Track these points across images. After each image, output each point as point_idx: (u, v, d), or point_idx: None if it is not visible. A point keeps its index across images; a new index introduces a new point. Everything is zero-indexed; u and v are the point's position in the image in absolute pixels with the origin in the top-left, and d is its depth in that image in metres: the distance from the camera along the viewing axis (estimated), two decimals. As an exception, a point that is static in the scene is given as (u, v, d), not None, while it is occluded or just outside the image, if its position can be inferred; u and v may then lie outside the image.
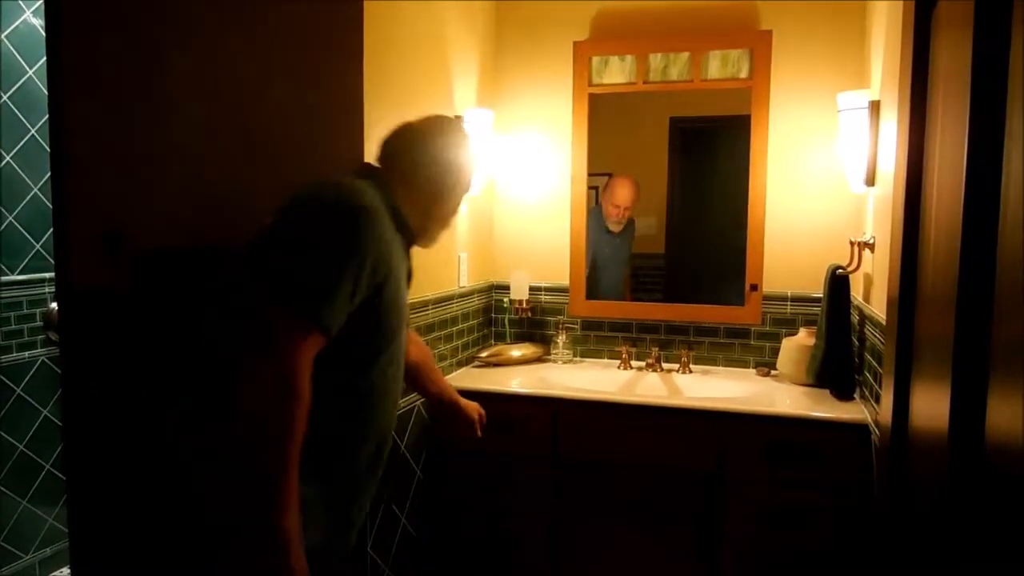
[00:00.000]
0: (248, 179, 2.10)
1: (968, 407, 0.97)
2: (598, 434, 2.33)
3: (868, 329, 2.15)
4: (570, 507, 2.37)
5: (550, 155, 2.93)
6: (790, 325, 2.67)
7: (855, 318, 2.36)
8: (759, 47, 2.65)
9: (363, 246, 1.37)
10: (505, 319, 3.02)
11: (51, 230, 2.65)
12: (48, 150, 2.26)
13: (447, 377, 2.44)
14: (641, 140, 2.93)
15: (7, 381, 2.91)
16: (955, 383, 1.02)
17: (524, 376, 2.64)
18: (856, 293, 2.40)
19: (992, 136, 0.91)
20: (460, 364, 2.76)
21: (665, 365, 2.72)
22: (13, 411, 2.94)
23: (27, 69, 2.91)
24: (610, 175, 2.89)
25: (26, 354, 2.98)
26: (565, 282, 2.93)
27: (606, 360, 2.88)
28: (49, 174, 2.43)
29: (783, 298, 2.70)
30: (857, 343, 2.33)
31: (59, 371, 2.65)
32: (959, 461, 1.01)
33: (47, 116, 2.25)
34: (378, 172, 1.59)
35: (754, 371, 2.70)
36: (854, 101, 2.22)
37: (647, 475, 2.28)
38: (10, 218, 2.87)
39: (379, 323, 1.46)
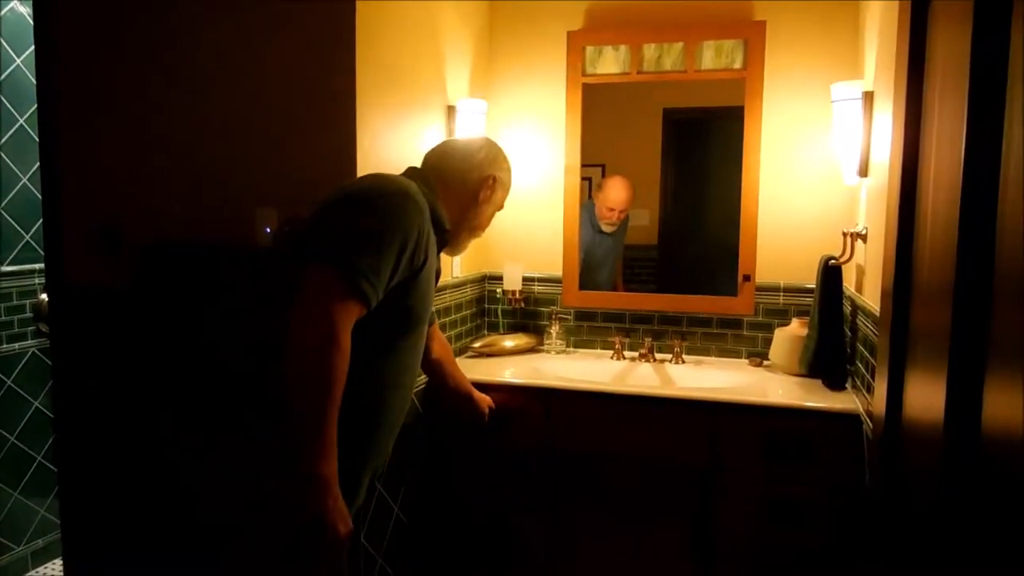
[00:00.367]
0: (236, 169, 2.09)
1: (964, 397, 0.97)
2: (591, 424, 2.34)
3: (860, 319, 2.15)
4: (563, 496, 2.37)
5: (543, 146, 2.92)
6: (783, 315, 2.68)
7: (847, 308, 2.37)
8: (753, 38, 2.65)
9: (408, 227, 1.46)
10: (498, 309, 3.02)
11: (40, 221, 2.63)
12: (37, 141, 2.24)
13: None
14: (634, 131, 2.92)
15: (-3, 373, 2.90)
16: (951, 373, 1.02)
17: (517, 366, 2.64)
18: (848, 284, 2.41)
19: (991, 123, 0.91)
20: (453, 354, 2.74)
21: (658, 355, 2.73)
22: (4, 403, 2.92)
23: (15, 58, 2.87)
24: (603, 167, 2.88)
25: (16, 345, 2.96)
26: (558, 272, 2.93)
27: (599, 350, 2.88)
28: (38, 165, 2.41)
29: (776, 288, 2.70)
30: (849, 333, 2.34)
31: (50, 363, 2.64)
32: (954, 452, 1.01)
33: (36, 106, 2.23)
34: (423, 173, 1.71)
35: (747, 361, 2.71)
36: (847, 92, 2.22)
37: (639, 463, 2.29)
38: (-1, 209, 2.85)
39: (409, 309, 1.54)
